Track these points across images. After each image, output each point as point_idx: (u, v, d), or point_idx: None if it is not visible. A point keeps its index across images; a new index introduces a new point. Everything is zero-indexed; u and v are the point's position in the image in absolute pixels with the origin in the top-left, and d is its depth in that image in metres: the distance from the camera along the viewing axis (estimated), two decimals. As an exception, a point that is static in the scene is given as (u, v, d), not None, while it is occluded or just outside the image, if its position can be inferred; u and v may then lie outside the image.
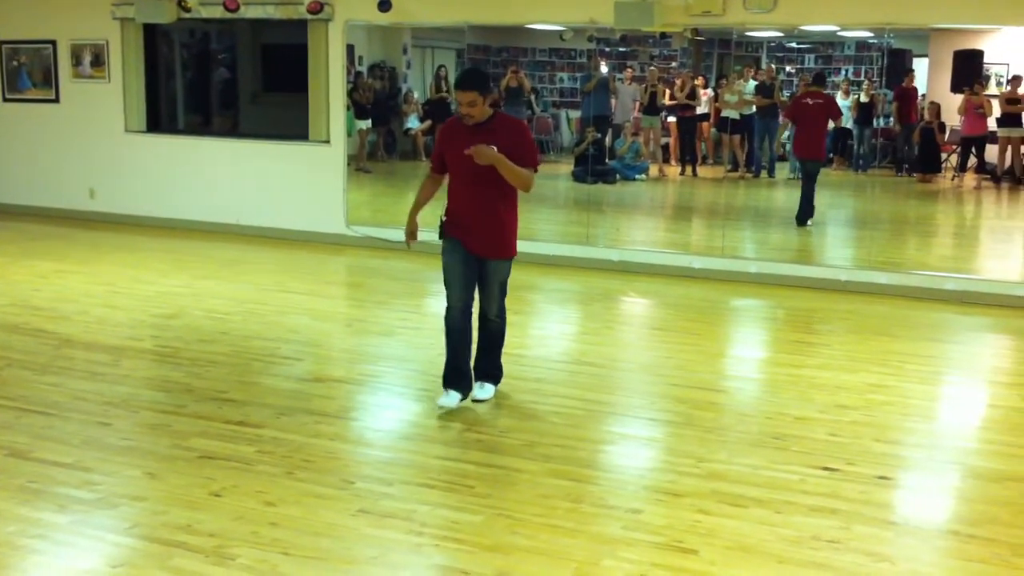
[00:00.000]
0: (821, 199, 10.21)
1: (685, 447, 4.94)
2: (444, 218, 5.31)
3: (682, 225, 11.56)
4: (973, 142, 10.86)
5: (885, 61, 10.14)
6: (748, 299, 8.60)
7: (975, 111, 10.57)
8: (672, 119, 12.12)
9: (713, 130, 11.99)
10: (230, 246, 10.28)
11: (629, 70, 12.18)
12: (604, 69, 11.78)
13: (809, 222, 10.21)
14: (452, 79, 11.28)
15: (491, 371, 5.59)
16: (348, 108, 10.71)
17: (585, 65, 12.06)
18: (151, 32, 11.35)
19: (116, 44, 11.17)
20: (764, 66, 11.66)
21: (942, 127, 10.96)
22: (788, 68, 11.92)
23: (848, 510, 4.20)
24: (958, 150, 11.13)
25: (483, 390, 5.50)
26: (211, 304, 7.72)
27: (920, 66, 10.91)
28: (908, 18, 8.48)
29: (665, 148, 12.43)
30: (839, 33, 10.76)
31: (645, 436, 5.22)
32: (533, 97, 12.26)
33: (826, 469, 4.63)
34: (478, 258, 5.28)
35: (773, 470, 4.61)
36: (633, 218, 11.69)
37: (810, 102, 10.10)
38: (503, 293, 5.45)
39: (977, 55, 10.50)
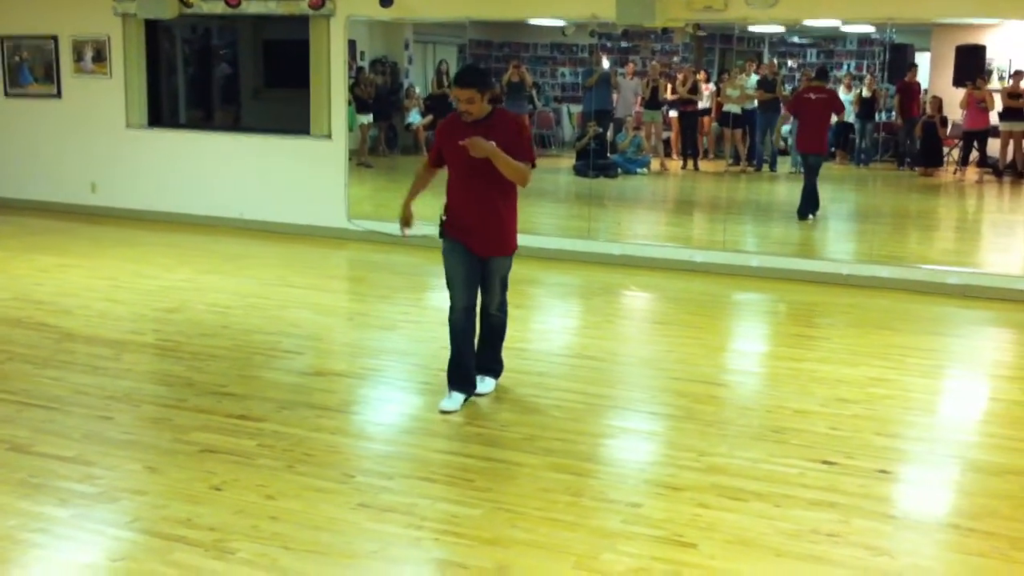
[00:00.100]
0: (823, 193, 10.19)
1: (685, 441, 4.94)
2: (444, 217, 5.30)
3: (683, 219, 11.56)
4: (975, 136, 10.84)
5: (887, 56, 10.12)
6: (749, 293, 8.59)
7: (977, 105, 10.55)
8: (674, 114, 12.11)
9: (715, 124, 11.98)
10: (231, 240, 10.29)
11: (631, 65, 12.17)
12: (606, 64, 11.77)
13: (811, 216, 10.21)
14: (453, 74, 11.27)
15: (492, 365, 5.59)
16: (350, 103, 10.71)
17: (587, 60, 12.04)
18: (153, 28, 11.35)
19: (118, 39, 11.17)
20: (766, 61, 11.65)
21: (944, 121, 10.95)
22: (790, 63, 11.91)
23: (848, 504, 4.20)
24: (960, 144, 11.11)
25: (484, 384, 5.51)
26: (212, 298, 7.73)
27: (922, 61, 10.89)
28: (910, 13, 8.47)
29: (667, 142, 12.42)
30: (841, 28, 10.74)
31: (645, 430, 5.22)
32: (535, 92, 12.24)
33: (826, 463, 4.64)
34: (479, 257, 5.28)
35: (773, 464, 4.61)
36: (634, 212, 11.68)
37: (813, 97, 10.09)
38: (504, 288, 5.46)
39: (979, 50, 10.47)
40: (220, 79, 14.19)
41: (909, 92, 10.87)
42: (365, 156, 11.93)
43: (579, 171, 11.45)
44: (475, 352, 5.45)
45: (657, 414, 5.41)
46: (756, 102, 11.42)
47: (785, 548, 3.80)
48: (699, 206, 11.77)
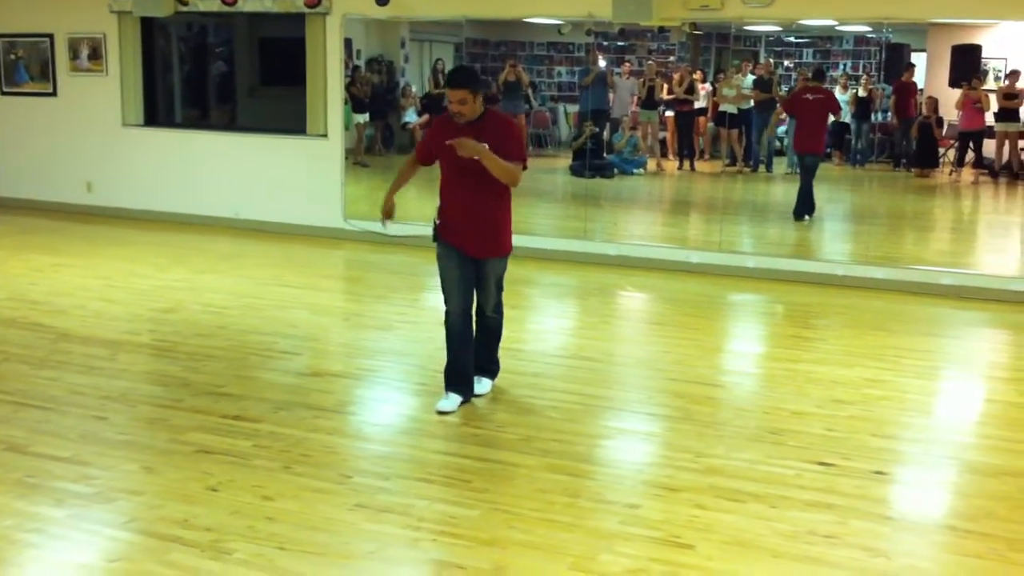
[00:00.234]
0: (818, 194, 10.20)
1: (682, 442, 4.94)
2: (438, 220, 5.28)
3: (680, 220, 11.56)
4: (971, 137, 10.86)
5: (883, 55, 10.13)
6: (745, 294, 8.60)
7: (973, 106, 10.56)
8: (670, 113, 12.11)
9: (711, 124, 11.98)
10: (227, 240, 10.27)
11: (627, 64, 12.17)
12: (602, 63, 11.77)
13: (807, 217, 10.21)
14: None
15: (488, 366, 5.59)
16: (346, 102, 10.69)
17: (583, 59, 12.04)
18: (148, 25, 11.33)
19: (113, 37, 11.15)
20: (762, 60, 11.65)
21: (940, 122, 10.96)
22: (786, 62, 11.91)
23: (844, 505, 4.20)
24: (956, 145, 11.12)
25: (480, 385, 5.50)
26: (208, 298, 7.72)
27: (918, 61, 10.90)
28: (906, 12, 8.48)
29: (663, 142, 12.42)
30: (837, 27, 10.75)
31: (642, 431, 5.22)
32: (531, 91, 12.23)
33: (822, 464, 4.64)
34: (474, 259, 5.26)
35: (770, 465, 4.62)
36: (631, 212, 11.68)
37: (810, 97, 10.10)
38: (500, 289, 5.44)
39: (975, 50, 10.49)
40: (216, 77, 14.17)
41: (905, 92, 10.89)
42: (361, 155, 11.92)
43: (575, 171, 11.45)
44: (472, 355, 5.43)
45: (654, 415, 5.41)
46: (752, 102, 11.43)
47: (782, 549, 3.81)
48: (695, 206, 11.78)
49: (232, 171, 10.94)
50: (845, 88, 11.18)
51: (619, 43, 12.20)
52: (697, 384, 5.89)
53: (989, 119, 10.61)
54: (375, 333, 7.04)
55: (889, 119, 11.20)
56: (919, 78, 10.99)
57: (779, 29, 10.99)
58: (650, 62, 12.03)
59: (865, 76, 11.19)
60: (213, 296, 7.79)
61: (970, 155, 11.06)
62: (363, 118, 11.78)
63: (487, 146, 4.98)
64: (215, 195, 10.95)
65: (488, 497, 4.22)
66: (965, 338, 7.51)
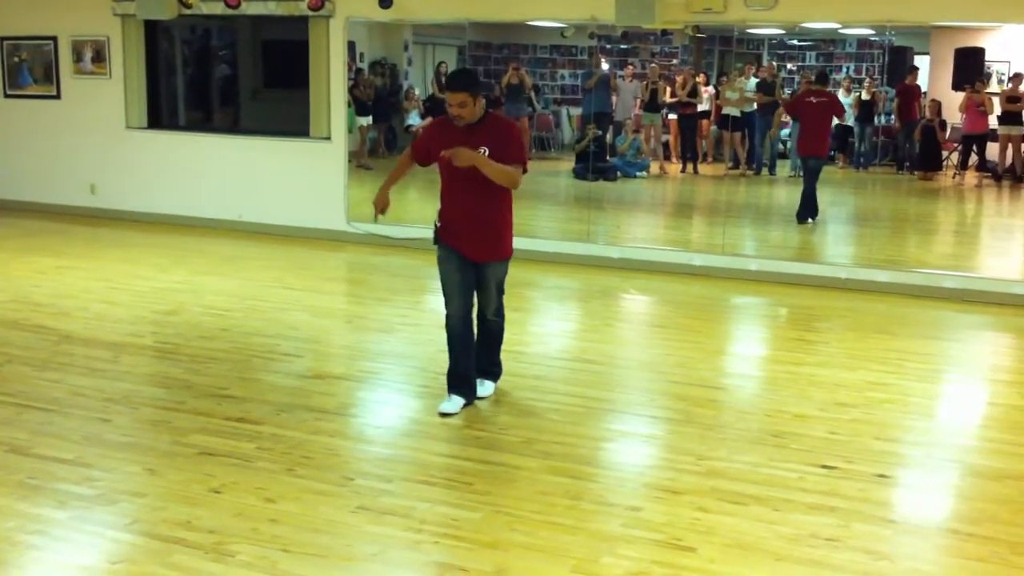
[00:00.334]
0: (821, 197, 10.20)
1: (685, 444, 4.94)
2: (438, 223, 5.28)
3: (682, 222, 11.55)
4: (974, 140, 10.85)
5: (886, 59, 10.11)
6: (748, 297, 8.60)
7: (976, 109, 10.55)
8: (673, 116, 12.10)
9: (714, 127, 11.97)
10: (230, 242, 10.28)
11: (630, 67, 12.16)
12: (605, 66, 11.76)
13: (810, 221, 10.21)
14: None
15: (490, 368, 5.59)
16: (349, 105, 10.70)
17: (586, 62, 12.03)
18: (152, 28, 11.35)
19: (117, 40, 11.17)
20: (765, 63, 11.65)
21: (943, 125, 10.95)
22: (789, 65, 11.90)
23: (847, 508, 4.20)
24: (959, 148, 11.11)
25: (483, 387, 5.50)
26: (211, 300, 7.73)
27: (921, 64, 10.88)
28: (909, 15, 8.48)
29: (666, 145, 12.41)
30: (840, 31, 10.75)
31: (644, 433, 5.22)
32: (534, 94, 12.23)
33: (825, 467, 4.64)
34: (474, 262, 5.25)
35: (772, 468, 4.62)
36: (633, 215, 11.68)
37: (814, 100, 10.09)
38: (501, 292, 5.44)
39: (978, 53, 10.48)
40: (219, 80, 14.18)
41: (908, 95, 10.87)
42: (364, 158, 11.92)
43: (578, 174, 11.44)
44: (474, 358, 5.42)
45: (656, 418, 5.41)
46: (755, 105, 11.42)
47: (784, 552, 3.80)
48: (698, 209, 11.77)
49: (235, 174, 10.95)
50: (848, 91, 11.17)
51: (622, 46, 12.20)
52: (699, 387, 5.89)
53: (992, 122, 10.60)
54: (377, 335, 7.05)
55: (892, 122, 11.18)
56: (922, 81, 10.98)
57: (782, 32, 10.99)
58: (653, 65, 12.02)
59: (868, 79, 11.18)
60: (216, 298, 7.80)
61: (973, 158, 11.05)
62: (366, 121, 11.79)
63: (485, 150, 4.97)
64: (218, 198, 10.96)
65: (490, 499, 4.22)
66: (968, 341, 7.51)
